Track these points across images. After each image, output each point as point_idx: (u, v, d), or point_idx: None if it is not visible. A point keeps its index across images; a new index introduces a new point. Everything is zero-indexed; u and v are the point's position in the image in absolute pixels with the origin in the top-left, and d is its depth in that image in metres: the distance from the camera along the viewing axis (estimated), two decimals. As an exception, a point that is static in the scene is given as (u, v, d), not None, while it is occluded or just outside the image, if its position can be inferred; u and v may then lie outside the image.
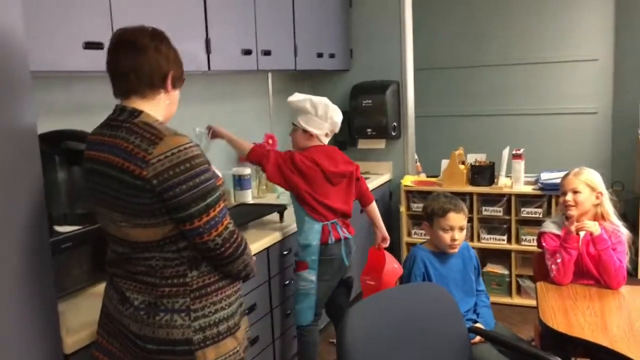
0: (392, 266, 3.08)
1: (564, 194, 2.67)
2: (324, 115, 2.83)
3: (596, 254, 2.54)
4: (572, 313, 2.30)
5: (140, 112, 1.62)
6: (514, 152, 3.96)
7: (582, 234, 2.59)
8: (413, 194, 4.27)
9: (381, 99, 4.26)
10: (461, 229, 2.63)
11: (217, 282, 1.69)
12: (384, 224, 3.17)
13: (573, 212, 2.61)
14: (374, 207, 3.16)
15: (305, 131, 2.86)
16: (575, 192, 2.63)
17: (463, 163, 4.19)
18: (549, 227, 2.73)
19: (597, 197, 2.63)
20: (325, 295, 2.95)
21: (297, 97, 2.87)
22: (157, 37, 1.66)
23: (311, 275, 2.86)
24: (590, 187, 2.63)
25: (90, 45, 2.13)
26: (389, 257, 3.13)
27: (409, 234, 4.34)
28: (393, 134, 4.38)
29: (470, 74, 5.84)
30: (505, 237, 4.09)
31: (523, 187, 3.98)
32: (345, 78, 4.53)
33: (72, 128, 2.19)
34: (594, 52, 5.36)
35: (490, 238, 4.14)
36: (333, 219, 2.86)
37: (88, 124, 1.88)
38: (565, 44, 5.46)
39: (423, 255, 2.66)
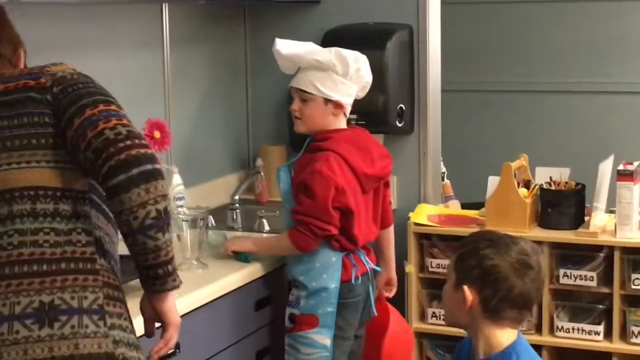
0: (400, 328, 2.56)
1: None
2: (356, 74, 2.27)
3: None
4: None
5: None
6: (619, 167, 2.65)
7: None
8: (432, 240, 2.85)
9: (378, 58, 2.84)
10: None
11: (120, 289, 1.37)
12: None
13: None
14: (391, 232, 2.64)
15: (329, 101, 2.30)
16: None
17: (527, 185, 2.90)
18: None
19: None
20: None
21: (307, 47, 2.30)
22: None
23: (324, 337, 2.30)
24: None
25: None
26: (394, 314, 2.55)
27: (423, 317, 2.84)
28: (399, 124, 2.96)
29: (539, 14, 4.08)
30: (601, 329, 2.75)
31: (636, 235, 2.67)
32: (312, 18, 3.13)
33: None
34: None
35: (574, 329, 2.79)
36: (358, 246, 2.32)
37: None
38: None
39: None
